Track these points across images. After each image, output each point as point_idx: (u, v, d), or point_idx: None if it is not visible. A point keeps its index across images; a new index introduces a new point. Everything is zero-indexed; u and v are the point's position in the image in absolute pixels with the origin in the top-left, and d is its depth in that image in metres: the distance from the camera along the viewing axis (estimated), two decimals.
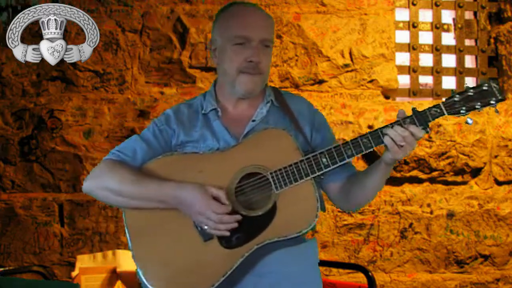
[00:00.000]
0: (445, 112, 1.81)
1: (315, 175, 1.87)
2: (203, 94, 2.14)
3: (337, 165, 1.86)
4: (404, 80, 4.48)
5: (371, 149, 1.84)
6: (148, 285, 1.86)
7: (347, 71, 4.31)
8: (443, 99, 1.87)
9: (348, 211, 2.06)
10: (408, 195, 4.25)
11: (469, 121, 1.84)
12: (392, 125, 1.82)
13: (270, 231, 1.84)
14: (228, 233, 1.84)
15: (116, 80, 4.26)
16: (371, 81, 4.32)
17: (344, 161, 1.87)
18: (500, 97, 1.80)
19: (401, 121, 1.81)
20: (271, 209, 1.85)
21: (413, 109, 1.84)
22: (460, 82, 4.52)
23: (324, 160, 1.85)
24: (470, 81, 4.57)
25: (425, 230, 4.26)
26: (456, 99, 1.81)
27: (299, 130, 1.99)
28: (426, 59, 4.53)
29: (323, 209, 1.95)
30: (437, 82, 4.50)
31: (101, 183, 1.96)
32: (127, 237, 1.94)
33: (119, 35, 4.27)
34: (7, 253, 4.21)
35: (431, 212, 4.27)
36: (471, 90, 1.81)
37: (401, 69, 4.46)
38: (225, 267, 1.82)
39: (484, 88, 1.81)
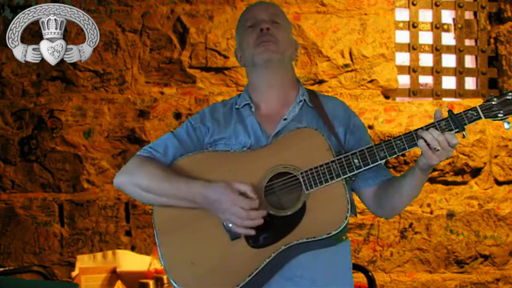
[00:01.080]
0: (482, 116, 1.76)
1: (346, 176, 1.83)
2: (238, 94, 2.18)
3: (369, 166, 1.82)
4: (404, 80, 4.48)
5: (404, 151, 1.80)
6: (174, 284, 1.86)
7: (347, 71, 4.31)
8: (481, 103, 1.83)
9: (384, 217, 2.03)
10: None
11: (506, 125, 1.78)
12: (427, 127, 1.77)
13: (298, 231, 1.80)
14: (253, 232, 1.81)
15: (116, 80, 4.26)
16: (371, 81, 4.32)
17: (376, 163, 1.82)
18: None
19: (436, 123, 1.77)
20: (300, 209, 1.82)
21: (449, 111, 1.78)
22: (460, 82, 4.52)
23: (356, 161, 1.81)
24: (470, 81, 4.57)
25: (425, 230, 4.26)
26: (494, 102, 1.76)
27: (333, 132, 1.97)
28: (426, 59, 4.53)
29: (354, 213, 1.90)
30: (437, 82, 4.50)
31: (131, 179, 1.97)
32: (155, 234, 1.94)
33: (119, 35, 4.27)
34: (7, 253, 4.21)
35: (431, 212, 4.27)
36: (510, 94, 1.76)
37: (401, 69, 4.46)
38: (251, 267, 1.80)
39: None
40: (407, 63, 4.50)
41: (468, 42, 4.57)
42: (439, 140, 1.72)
